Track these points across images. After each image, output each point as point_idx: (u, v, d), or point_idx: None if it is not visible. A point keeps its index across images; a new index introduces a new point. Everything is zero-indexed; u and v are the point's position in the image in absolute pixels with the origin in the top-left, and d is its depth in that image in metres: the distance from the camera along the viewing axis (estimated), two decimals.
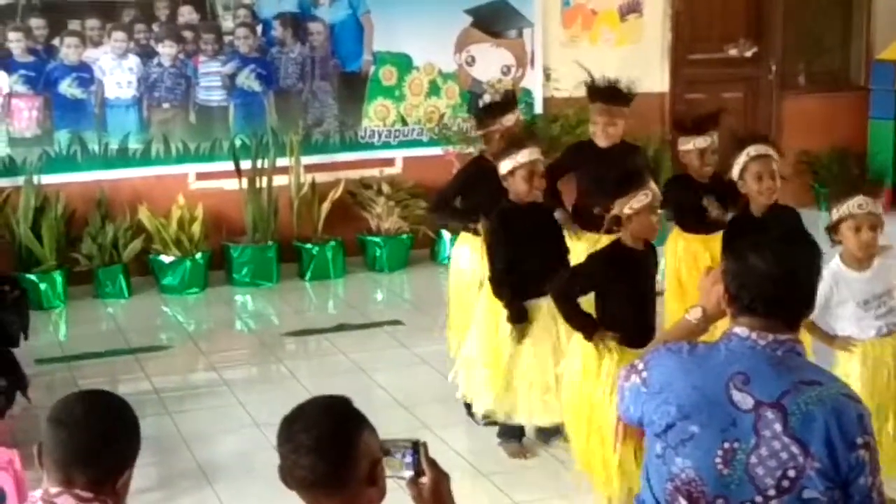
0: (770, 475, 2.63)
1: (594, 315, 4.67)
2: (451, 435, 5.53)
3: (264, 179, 8.39)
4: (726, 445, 2.66)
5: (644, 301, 4.65)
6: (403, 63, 9.09)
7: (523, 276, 5.08)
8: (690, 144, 5.64)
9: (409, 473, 2.53)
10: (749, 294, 2.73)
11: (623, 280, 4.60)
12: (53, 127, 8.32)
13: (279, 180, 8.48)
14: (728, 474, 2.66)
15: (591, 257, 4.76)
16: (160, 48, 8.48)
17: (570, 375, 4.73)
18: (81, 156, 8.36)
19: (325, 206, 8.50)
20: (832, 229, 4.65)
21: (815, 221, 9.70)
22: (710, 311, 3.00)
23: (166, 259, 8.17)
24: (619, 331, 4.55)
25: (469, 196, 5.80)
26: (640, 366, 2.84)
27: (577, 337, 4.68)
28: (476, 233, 5.68)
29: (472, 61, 9.27)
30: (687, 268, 5.72)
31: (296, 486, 2.43)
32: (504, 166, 5.15)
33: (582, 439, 4.66)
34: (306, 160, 8.60)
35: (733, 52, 10.36)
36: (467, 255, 5.89)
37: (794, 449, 2.62)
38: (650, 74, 9.81)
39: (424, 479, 2.54)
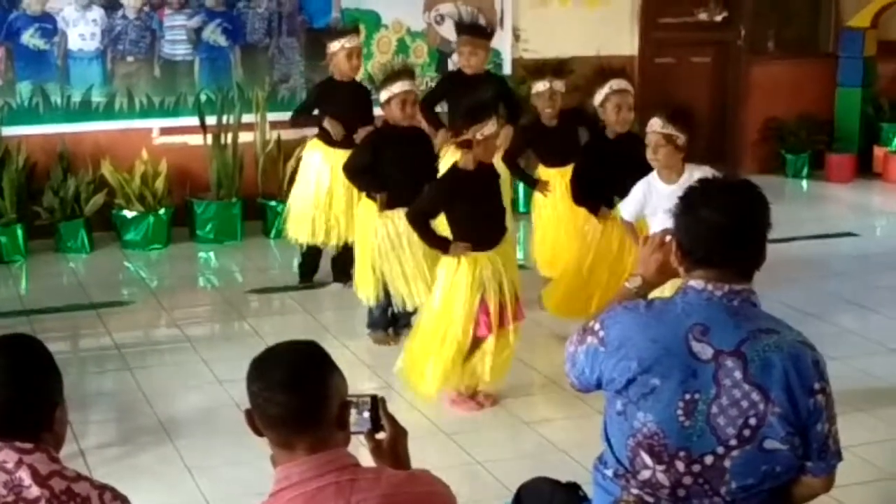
0: (731, 424, 2.66)
1: (449, 230, 5.35)
2: (415, 395, 5.53)
3: (229, 136, 8.31)
4: (687, 397, 2.68)
5: (486, 211, 5.28)
6: (372, 21, 9.01)
7: (395, 186, 5.83)
8: (534, 88, 6.59)
9: (367, 427, 2.53)
10: (703, 247, 2.76)
11: (463, 199, 5.23)
12: (15, 78, 8.19)
13: (244, 137, 8.40)
14: (689, 426, 2.68)
15: (432, 187, 5.51)
16: (124, 0, 8.35)
17: (438, 282, 5.38)
18: (43, 108, 8.25)
19: (291, 163, 8.39)
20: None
21: (781, 188, 9.88)
22: (649, 278, 3.03)
23: (129, 214, 8.08)
24: (470, 240, 5.21)
25: (323, 108, 6.86)
26: (596, 326, 2.84)
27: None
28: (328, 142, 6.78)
29: (440, 20, 9.20)
30: (557, 194, 6.65)
31: (267, 425, 2.41)
32: (382, 96, 5.92)
33: (423, 338, 5.31)
34: (272, 117, 8.50)
35: (703, 16, 10.34)
36: (318, 160, 6.84)
37: (755, 396, 2.65)
38: (620, 37, 9.80)
39: (382, 434, 2.55)
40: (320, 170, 6.83)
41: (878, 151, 10.46)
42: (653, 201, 5.31)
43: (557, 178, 6.63)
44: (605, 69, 6.15)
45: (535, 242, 6.93)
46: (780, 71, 10.48)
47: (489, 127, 5.16)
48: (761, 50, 10.58)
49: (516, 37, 9.40)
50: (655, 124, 5.23)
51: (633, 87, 6.02)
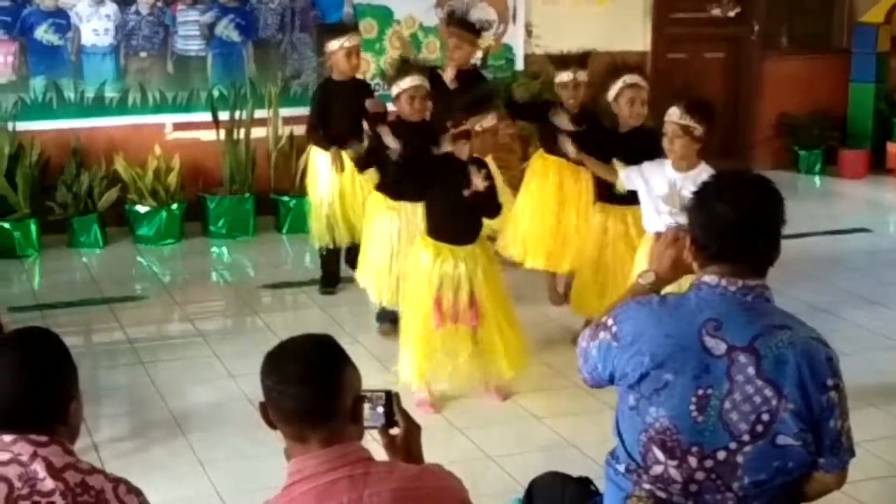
0: (744, 420, 2.65)
1: (425, 218, 5.39)
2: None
3: (242, 131, 8.32)
4: (700, 392, 2.68)
5: (462, 206, 5.17)
6: (384, 16, 9.02)
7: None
8: (558, 77, 6.39)
9: (381, 422, 2.53)
10: (717, 242, 2.76)
11: (446, 186, 5.18)
12: (29, 73, 8.22)
13: (257, 132, 8.41)
14: (702, 421, 2.68)
15: (427, 159, 5.43)
16: None
17: (409, 267, 5.48)
18: (57, 103, 8.27)
19: (303, 158, 8.42)
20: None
21: (794, 184, 9.85)
22: (663, 274, 3.02)
23: (142, 209, 8.10)
24: (438, 229, 5.26)
25: (327, 116, 6.73)
26: (609, 321, 2.84)
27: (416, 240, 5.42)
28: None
29: None
30: (539, 183, 6.55)
31: (281, 418, 2.42)
32: (392, 91, 5.92)
33: (408, 320, 5.36)
34: (285, 112, 8.52)
35: (716, 11, 10.32)
36: (323, 162, 6.74)
37: (768, 392, 2.65)
38: (632, 33, 9.78)
39: (396, 430, 2.55)
40: (328, 172, 6.74)
41: (892, 147, 10.41)
42: (655, 179, 5.29)
43: (554, 167, 6.50)
44: (618, 64, 6.12)
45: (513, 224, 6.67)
46: (794, 66, 10.46)
47: (489, 120, 5.15)
48: (774, 45, 10.55)
49: (528, 32, 9.40)
50: (673, 114, 5.17)
51: (646, 81, 5.96)
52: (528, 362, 5.43)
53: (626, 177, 5.47)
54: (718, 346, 2.69)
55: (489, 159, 5.69)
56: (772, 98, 10.39)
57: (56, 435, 2.45)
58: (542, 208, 6.54)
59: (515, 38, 9.36)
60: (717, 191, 2.81)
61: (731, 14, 10.36)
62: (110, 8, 8.34)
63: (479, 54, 9.16)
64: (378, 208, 6.04)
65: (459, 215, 5.26)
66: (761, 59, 10.41)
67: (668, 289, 3.06)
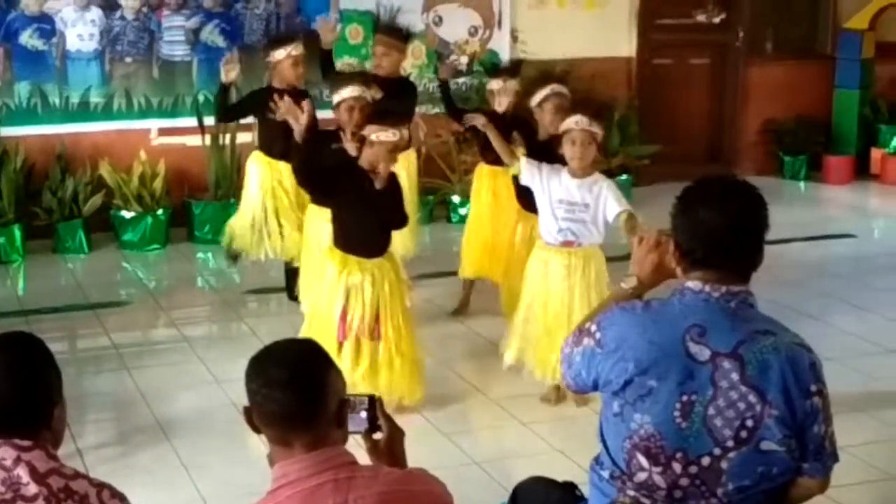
0: (728, 426, 2.66)
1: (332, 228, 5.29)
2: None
3: (227, 136, 8.32)
4: (684, 398, 2.68)
5: (366, 216, 5.12)
6: (370, 22, 8.99)
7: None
8: (489, 85, 6.46)
9: (364, 427, 2.54)
10: (702, 247, 2.75)
11: (349, 192, 5.11)
12: (13, 78, 8.20)
13: (242, 137, 8.37)
14: (686, 427, 2.68)
15: (332, 165, 5.29)
16: (123, 0, 8.36)
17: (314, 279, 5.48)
18: (42, 108, 8.25)
19: None
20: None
21: (778, 190, 9.88)
22: (645, 279, 3.02)
23: (127, 214, 8.09)
24: (348, 240, 5.17)
25: (263, 117, 6.51)
26: (593, 328, 2.84)
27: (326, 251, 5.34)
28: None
29: (439, 21, 9.21)
30: (476, 195, 6.59)
31: (265, 422, 2.42)
32: (333, 99, 5.75)
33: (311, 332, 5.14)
34: None
35: (701, 17, 10.35)
36: (255, 171, 6.70)
37: (752, 398, 2.65)
38: (618, 38, 9.80)
39: (380, 434, 2.56)
40: (259, 182, 6.65)
41: (876, 153, 10.46)
42: (553, 184, 5.26)
43: (490, 176, 6.45)
44: (546, 73, 6.14)
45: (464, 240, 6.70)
46: (778, 72, 10.49)
47: (387, 135, 5.06)
48: (759, 51, 10.59)
49: (514, 38, 9.41)
50: (582, 122, 5.14)
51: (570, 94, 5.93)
52: (421, 387, 5.30)
53: (527, 168, 5.39)
54: (702, 353, 2.69)
55: (399, 169, 5.57)
56: (757, 104, 10.43)
57: (40, 440, 2.45)
58: (479, 219, 6.55)
59: (501, 43, 9.37)
60: (702, 197, 2.81)
61: (717, 20, 10.39)
62: (95, 13, 8.33)
63: (465, 59, 9.23)
64: (313, 220, 5.95)
65: (366, 225, 5.18)
66: (746, 65, 10.44)
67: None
